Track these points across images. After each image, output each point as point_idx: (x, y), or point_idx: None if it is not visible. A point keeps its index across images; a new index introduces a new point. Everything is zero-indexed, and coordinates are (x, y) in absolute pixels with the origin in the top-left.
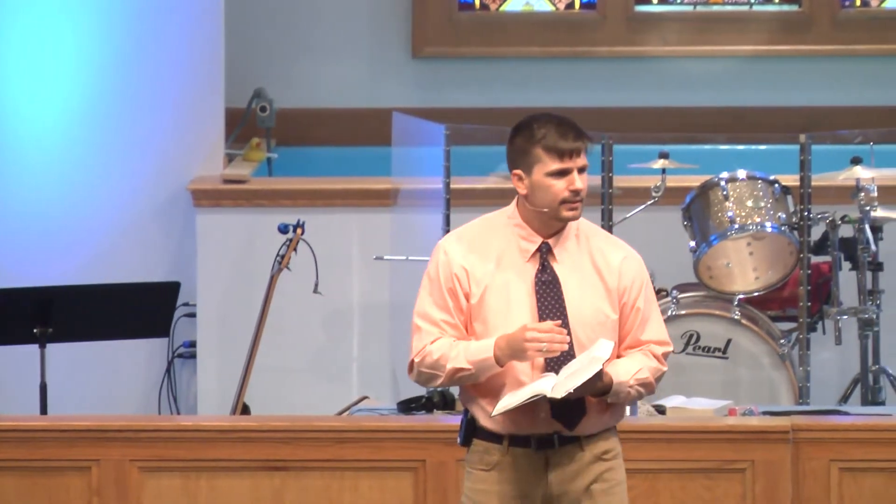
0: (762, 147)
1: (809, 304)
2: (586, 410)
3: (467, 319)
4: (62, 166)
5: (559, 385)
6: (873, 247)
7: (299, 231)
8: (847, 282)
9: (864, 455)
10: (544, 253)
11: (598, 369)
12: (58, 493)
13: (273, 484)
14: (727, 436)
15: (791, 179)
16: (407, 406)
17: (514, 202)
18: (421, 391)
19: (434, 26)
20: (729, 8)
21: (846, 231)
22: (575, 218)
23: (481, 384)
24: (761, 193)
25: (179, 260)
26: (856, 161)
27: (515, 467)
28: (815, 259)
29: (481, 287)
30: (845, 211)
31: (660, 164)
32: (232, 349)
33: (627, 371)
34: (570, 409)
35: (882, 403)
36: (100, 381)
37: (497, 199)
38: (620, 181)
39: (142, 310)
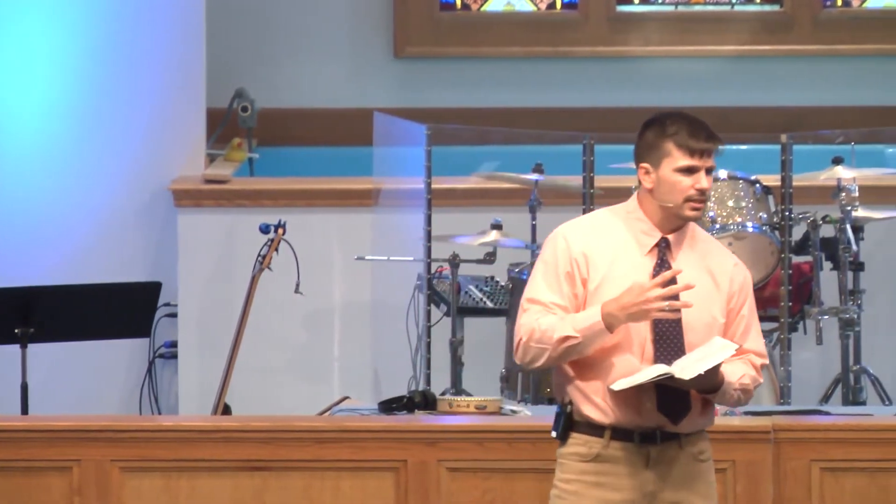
0: (743, 147)
1: (790, 304)
2: (691, 406)
3: (580, 306)
4: (43, 166)
5: (687, 368)
6: (854, 247)
7: (280, 231)
8: (828, 282)
9: (845, 455)
10: (663, 248)
11: (730, 354)
12: (39, 494)
13: (254, 484)
14: (709, 435)
15: (772, 179)
16: (388, 406)
17: (633, 197)
18: (402, 391)
19: (415, 26)
20: (710, 8)
21: (827, 231)
22: (697, 217)
23: (588, 374)
24: (742, 193)
25: (160, 260)
26: (837, 161)
27: (616, 461)
28: (796, 259)
29: (600, 274)
30: (826, 211)
31: None
32: (213, 349)
33: (734, 373)
34: (676, 402)
35: (863, 403)
36: (81, 381)
37: (479, 198)
38: (602, 181)
39: (123, 310)
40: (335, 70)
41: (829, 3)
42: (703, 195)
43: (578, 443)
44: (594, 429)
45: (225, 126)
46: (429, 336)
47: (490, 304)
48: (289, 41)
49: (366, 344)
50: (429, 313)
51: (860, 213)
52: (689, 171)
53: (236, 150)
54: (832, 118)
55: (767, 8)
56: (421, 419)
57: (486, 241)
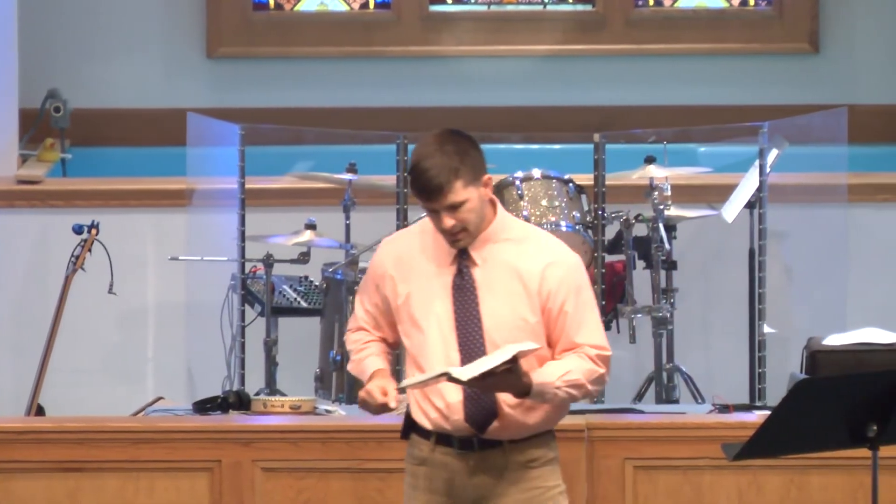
0: (557, 146)
1: (604, 302)
2: (497, 413)
3: (392, 317)
4: None
5: (467, 368)
6: (667, 245)
7: (94, 232)
8: (641, 281)
9: (658, 453)
10: (463, 258)
11: (506, 357)
12: None
13: (68, 485)
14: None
15: (585, 178)
16: (202, 406)
17: None
18: (216, 391)
19: (228, 26)
20: (523, 8)
21: (640, 230)
22: (461, 247)
23: None
24: (556, 192)
25: None
26: (649, 160)
27: (441, 466)
28: (609, 258)
29: (406, 289)
30: (639, 210)
31: None
32: (26, 350)
33: (553, 373)
34: (481, 411)
35: (676, 402)
36: None
37: (293, 198)
38: None
39: None
40: (148, 70)
41: (641, 2)
42: (451, 231)
43: (413, 444)
44: (423, 432)
45: (37, 126)
46: (243, 336)
47: (304, 304)
48: (101, 41)
49: (180, 344)
50: (243, 313)
51: (673, 211)
52: (432, 212)
53: (49, 151)
54: (645, 117)
55: (580, 8)
56: (235, 419)
57: (301, 241)
